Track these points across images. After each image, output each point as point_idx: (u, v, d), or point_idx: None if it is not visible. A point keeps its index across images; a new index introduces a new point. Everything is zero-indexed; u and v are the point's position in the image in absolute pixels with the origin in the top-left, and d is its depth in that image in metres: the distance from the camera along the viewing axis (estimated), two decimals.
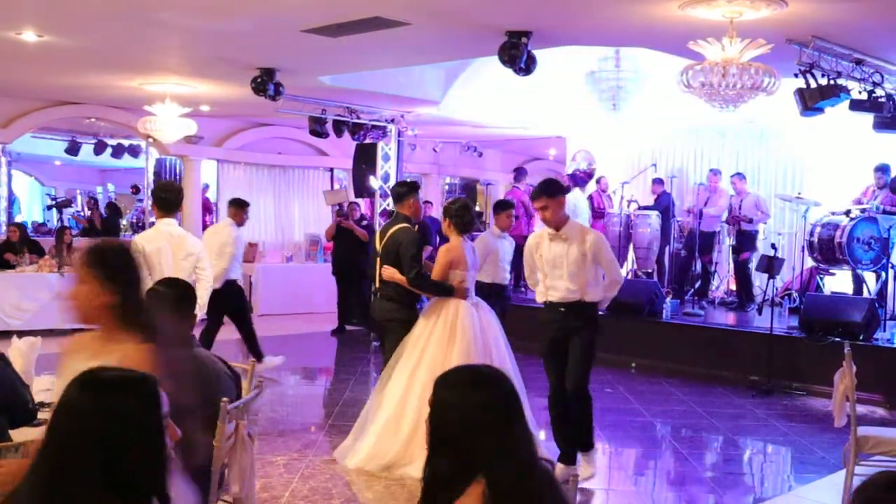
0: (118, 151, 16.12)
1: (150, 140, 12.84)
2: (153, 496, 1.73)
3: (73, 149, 16.27)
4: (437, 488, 2.06)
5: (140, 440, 1.71)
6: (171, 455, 1.81)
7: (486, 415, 2.02)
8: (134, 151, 16.12)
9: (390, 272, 5.88)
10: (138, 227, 17.07)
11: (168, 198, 6.13)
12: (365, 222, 11.92)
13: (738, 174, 11.52)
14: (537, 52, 7.22)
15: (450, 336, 5.71)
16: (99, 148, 15.93)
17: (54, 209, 18.05)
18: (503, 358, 5.82)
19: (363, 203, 13.90)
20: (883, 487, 1.71)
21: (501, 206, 7.90)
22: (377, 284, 6.12)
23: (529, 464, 2.04)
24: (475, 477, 1.99)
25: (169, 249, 5.94)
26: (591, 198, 13.08)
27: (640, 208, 12.31)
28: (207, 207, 14.66)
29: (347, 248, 11.25)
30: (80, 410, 1.72)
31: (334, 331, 11.59)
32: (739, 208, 11.17)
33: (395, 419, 5.69)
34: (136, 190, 18.13)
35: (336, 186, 14.92)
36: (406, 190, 6.18)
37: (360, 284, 11.50)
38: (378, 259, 6.01)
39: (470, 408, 2.03)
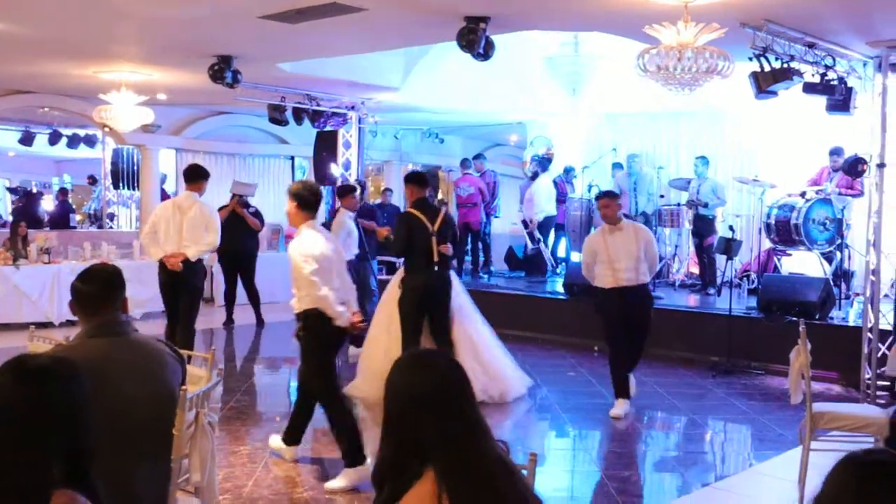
0: (74, 141, 15.78)
1: (106, 129, 12.63)
2: (76, 474, 1.84)
3: (27, 139, 15.89)
4: (384, 475, 2.04)
5: (59, 421, 1.83)
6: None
7: (432, 399, 1.99)
8: (90, 141, 15.83)
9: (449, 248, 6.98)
10: (95, 218, 16.83)
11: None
12: (252, 209, 11.27)
13: (702, 157, 11.59)
14: (496, 38, 7.23)
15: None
16: (54, 138, 15.58)
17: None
18: None
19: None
20: (871, 451, 1.70)
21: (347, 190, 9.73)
22: (436, 259, 6.94)
23: (480, 451, 2.01)
24: (424, 465, 1.96)
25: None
26: (555, 183, 13.14)
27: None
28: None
29: (236, 237, 10.33)
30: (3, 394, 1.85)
31: (225, 323, 11.22)
32: (698, 192, 11.24)
33: None
34: (92, 181, 17.81)
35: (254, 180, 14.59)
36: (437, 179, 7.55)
37: (251, 273, 11.19)
38: (433, 238, 6.89)
39: (417, 391, 2.01)
